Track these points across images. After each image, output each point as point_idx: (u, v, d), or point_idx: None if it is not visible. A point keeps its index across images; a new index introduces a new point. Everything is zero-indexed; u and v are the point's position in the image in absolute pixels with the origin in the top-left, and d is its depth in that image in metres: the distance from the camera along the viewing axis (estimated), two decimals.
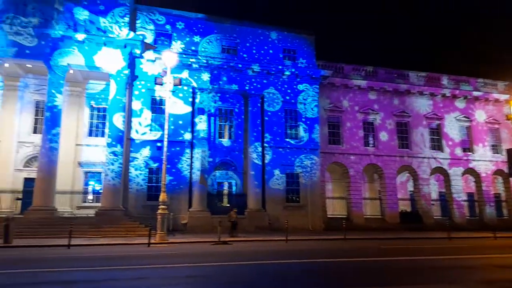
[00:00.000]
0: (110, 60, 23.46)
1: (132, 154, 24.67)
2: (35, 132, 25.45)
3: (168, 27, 26.63)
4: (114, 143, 22.93)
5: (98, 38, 23.10)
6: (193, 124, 26.13)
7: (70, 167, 25.00)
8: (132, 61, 24.81)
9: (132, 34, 23.78)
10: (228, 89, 27.47)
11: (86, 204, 25.13)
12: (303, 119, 28.46)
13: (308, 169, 27.82)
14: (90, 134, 26.50)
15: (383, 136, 31.53)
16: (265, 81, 28.02)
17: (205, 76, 26.60)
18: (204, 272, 9.43)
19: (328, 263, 10.97)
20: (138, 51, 24.38)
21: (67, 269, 9.79)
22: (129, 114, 24.84)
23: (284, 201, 27.09)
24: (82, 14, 23.09)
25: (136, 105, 25.24)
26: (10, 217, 16.79)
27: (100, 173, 25.51)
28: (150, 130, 25.41)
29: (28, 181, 24.34)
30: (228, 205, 27.51)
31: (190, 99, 26.38)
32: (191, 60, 26.00)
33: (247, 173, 27.08)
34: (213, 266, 10.27)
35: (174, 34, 26.60)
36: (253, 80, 27.72)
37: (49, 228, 19.66)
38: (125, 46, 23.70)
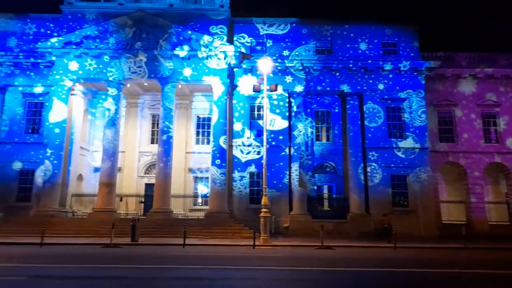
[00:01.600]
0: (211, 73, 25.15)
1: (235, 160, 26.03)
2: (152, 142, 28.63)
3: (258, 48, 27.42)
4: (220, 162, 24.34)
5: (200, 54, 24.97)
6: (290, 130, 26.34)
7: (181, 173, 27.44)
8: (230, 71, 26.19)
9: (228, 47, 25.09)
10: (324, 91, 27.05)
11: (196, 207, 27.26)
12: (411, 129, 26.13)
13: (417, 170, 25.60)
14: (197, 142, 28.78)
15: (509, 130, 27.31)
16: (364, 79, 26.76)
17: (300, 82, 26.62)
18: (309, 276, 9.32)
19: (448, 275, 9.84)
20: (234, 62, 25.59)
21: (185, 267, 10.65)
22: (230, 121, 26.23)
23: (391, 205, 25.36)
24: (185, 36, 25.14)
25: (236, 113, 26.57)
26: (135, 218, 19.11)
27: (207, 178, 27.45)
28: (250, 136, 26.49)
29: (149, 186, 27.46)
30: (329, 209, 26.93)
31: (287, 113, 26.54)
32: (286, 65, 26.35)
33: (347, 176, 26.17)
34: (318, 271, 10.08)
35: (266, 52, 26.78)
36: (350, 79, 26.76)
37: (167, 228, 21.78)
38: (223, 58, 25.17)
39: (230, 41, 26.73)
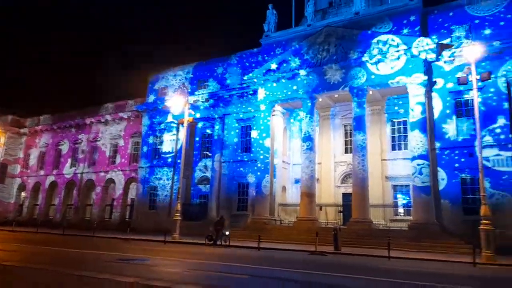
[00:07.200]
0: (405, 73, 23.49)
1: (440, 166, 23.20)
2: (346, 152, 28.81)
3: (461, 34, 23.91)
4: (421, 168, 22.12)
5: (391, 56, 23.78)
6: (511, 119, 21.64)
7: (378, 181, 26.36)
8: (428, 66, 23.77)
9: (424, 40, 22.90)
10: None
11: (397, 217, 25.51)
12: None
13: None
14: (393, 148, 27.19)
15: None
16: None
17: None
18: None
19: None
20: (432, 56, 23.16)
21: (395, 280, 10.07)
22: (431, 121, 23.68)
23: None
24: (373, 40, 24.59)
25: (437, 107, 23.81)
26: (337, 227, 19.46)
27: (407, 186, 25.45)
28: (456, 132, 23.19)
29: (346, 196, 27.60)
30: None
31: (504, 95, 22.00)
32: (500, 45, 21.90)
33: None
34: None
35: (470, 37, 23.31)
36: None
37: (368, 239, 21.24)
38: (418, 54, 23.14)
39: (425, 33, 24.35)
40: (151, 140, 36.43)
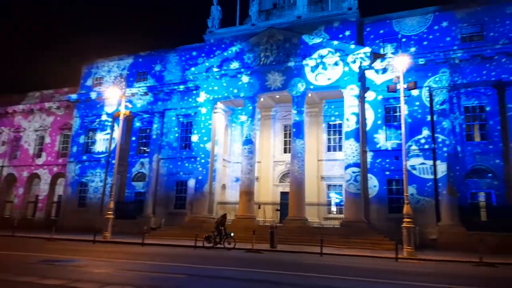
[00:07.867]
0: (341, 84, 24.74)
1: (369, 167, 24.76)
2: (285, 152, 29.55)
3: (392, 45, 25.82)
4: (353, 169, 23.49)
5: (329, 61, 24.88)
6: (433, 130, 23.77)
7: (314, 180, 27.45)
8: (362, 74, 25.24)
9: (359, 49, 24.27)
10: (475, 83, 23.56)
11: (331, 216, 26.81)
12: None
13: None
14: (328, 150, 28.46)
15: None
16: None
17: (443, 76, 23.81)
18: None
19: None
20: (366, 63, 24.63)
21: (325, 276, 10.51)
22: (363, 126, 25.17)
23: None
24: (313, 45, 25.49)
25: (370, 117, 25.35)
26: (274, 225, 19.87)
27: (340, 185, 26.80)
28: (386, 140, 24.91)
29: (283, 194, 28.33)
30: (487, 219, 23.05)
31: (427, 109, 24.12)
32: (425, 60, 23.95)
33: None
34: None
35: (401, 49, 25.24)
36: (510, 66, 22.74)
37: (303, 236, 21.99)
38: (354, 62, 24.46)
39: (361, 42, 25.86)
40: (82, 139, 33.83)
